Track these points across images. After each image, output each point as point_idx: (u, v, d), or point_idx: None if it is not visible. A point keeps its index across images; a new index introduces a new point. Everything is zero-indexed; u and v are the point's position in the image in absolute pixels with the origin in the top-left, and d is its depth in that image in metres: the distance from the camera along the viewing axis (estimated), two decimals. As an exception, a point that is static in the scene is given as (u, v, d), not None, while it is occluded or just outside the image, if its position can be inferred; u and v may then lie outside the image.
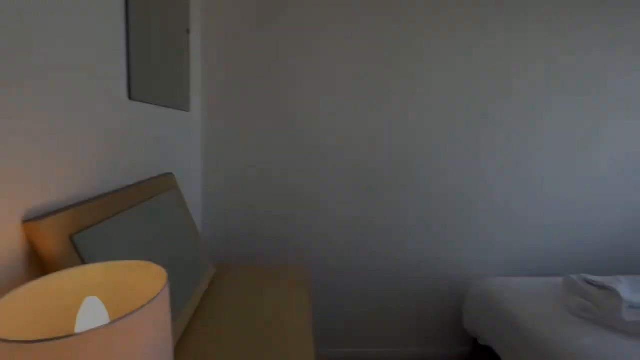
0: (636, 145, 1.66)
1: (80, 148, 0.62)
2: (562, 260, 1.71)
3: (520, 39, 1.50)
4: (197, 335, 0.78)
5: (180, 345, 0.73)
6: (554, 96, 1.57)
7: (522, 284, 1.38)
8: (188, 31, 1.15)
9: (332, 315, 1.63)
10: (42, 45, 0.52)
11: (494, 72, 1.52)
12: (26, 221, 0.47)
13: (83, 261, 0.51)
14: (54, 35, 0.54)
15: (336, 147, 1.50)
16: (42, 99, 0.52)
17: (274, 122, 1.46)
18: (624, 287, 1.14)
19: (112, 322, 0.30)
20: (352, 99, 1.47)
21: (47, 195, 0.53)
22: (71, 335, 0.28)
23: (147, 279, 0.43)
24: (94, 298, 0.39)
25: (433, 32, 1.46)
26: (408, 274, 1.63)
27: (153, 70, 0.92)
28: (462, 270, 1.66)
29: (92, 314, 0.38)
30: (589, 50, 1.54)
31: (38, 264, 0.51)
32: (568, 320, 1.12)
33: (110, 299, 0.42)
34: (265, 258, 1.54)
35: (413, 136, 1.52)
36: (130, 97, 0.79)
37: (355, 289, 1.62)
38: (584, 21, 1.52)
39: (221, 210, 1.49)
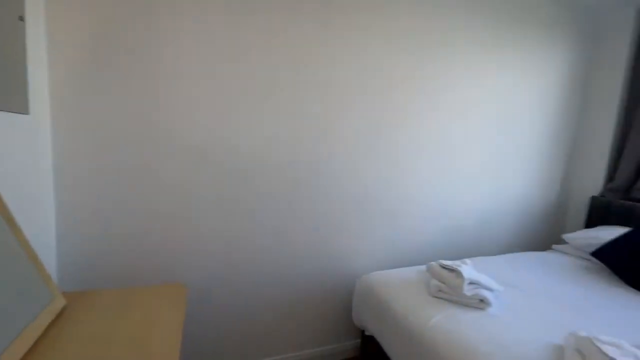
0: (491, 152, 2.06)
1: None
2: (432, 250, 2.00)
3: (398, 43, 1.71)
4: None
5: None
6: (419, 96, 1.82)
7: (397, 275, 1.55)
8: (21, 18, 0.97)
9: (216, 331, 1.56)
10: None
11: (378, 72, 1.66)
12: None
13: None
14: None
15: (204, 149, 1.41)
16: None
17: (136, 125, 1.29)
18: (468, 267, 1.38)
19: None
20: (233, 101, 1.43)
21: None
22: None
23: None
24: None
25: (322, 32, 1.52)
26: (298, 278, 1.68)
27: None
28: (352, 268, 1.79)
29: None
30: (433, 57, 1.85)
31: None
32: (427, 301, 1.30)
33: None
34: (136, 279, 1.38)
35: (294, 138, 1.56)
36: None
37: (241, 299, 1.58)
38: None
39: (78, 231, 1.27)
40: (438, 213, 1.99)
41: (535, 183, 2.31)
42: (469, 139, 2.00)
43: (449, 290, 1.30)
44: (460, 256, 1.96)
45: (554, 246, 2.15)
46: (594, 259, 1.83)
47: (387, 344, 1.34)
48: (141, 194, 1.34)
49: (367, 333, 1.58)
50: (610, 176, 2.25)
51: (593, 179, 2.32)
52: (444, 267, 1.39)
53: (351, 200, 1.73)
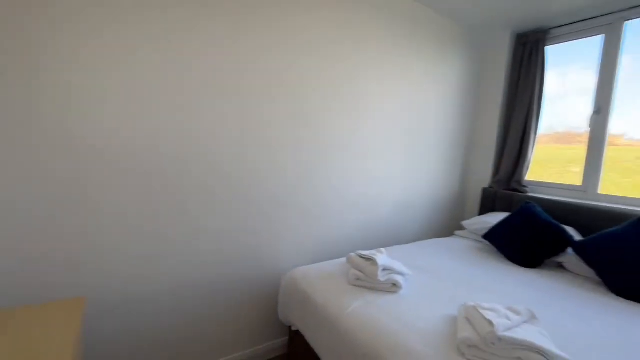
0: (400, 151, 2.26)
1: None
2: (353, 242, 2.12)
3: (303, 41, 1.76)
4: None
5: None
6: (333, 99, 1.92)
7: (320, 268, 1.60)
8: None
9: (127, 343, 1.40)
10: None
11: (294, 75, 1.70)
12: None
13: None
14: None
15: (102, 150, 1.30)
16: None
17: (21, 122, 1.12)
18: (383, 256, 1.50)
19: None
20: (138, 100, 1.32)
21: None
22: None
23: None
24: None
25: (234, 32, 1.50)
26: (219, 280, 1.61)
27: None
28: (277, 266, 1.79)
29: None
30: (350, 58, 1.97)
31: None
32: (346, 290, 1.37)
33: None
34: (31, 297, 1.17)
35: (209, 138, 1.51)
36: None
37: (156, 307, 1.45)
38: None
39: None
40: (356, 208, 2.11)
41: (439, 178, 2.62)
42: (381, 139, 2.17)
43: (366, 278, 1.39)
44: (378, 246, 2.13)
45: (455, 232, 2.46)
46: (485, 241, 2.15)
47: (311, 336, 1.38)
48: (32, 200, 1.14)
49: (293, 329, 1.59)
50: (496, 171, 2.68)
51: (484, 173, 2.73)
52: (361, 257, 1.49)
53: (273, 200, 1.73)
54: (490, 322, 0.94)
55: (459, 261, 1.85)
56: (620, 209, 1.94)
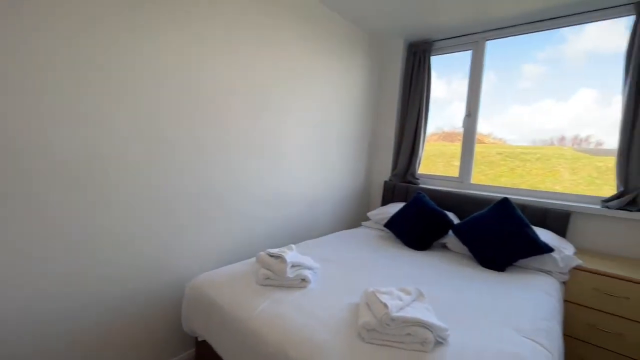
0: (310, 149, 2.29)
1: None
2: (268, 240, 2.08)
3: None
4: None
5: None
6: (247, 99, 1.84)
7: (228, 271, 1.52)
8: None
9: None
10: None
11: (206, 78, 1.57)
12: None
13: None
14: None
15: None
16: None
17: None
18: (292, 253, 1.50)
19: None
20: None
21: None
22: None
23: None
24: None
25: (130, 32, 1.29)
26: (113, 296, 1.40)
27: None
28: (182, 274, 1.64)
29: None
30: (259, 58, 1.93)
31: None
32: (255, 291, 1.33)
33: None
34: None
35: (102, 137, 1.29)
36: None
37: (39, 329, 1.18)
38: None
39: None
40: (268, 206, 2.09)
41: (346, 173, 2.78)
42: (291, 138, 2.19)
43: (275, 276, 1.37)
44: (291, 243, 2.14)
45: (362, 223, 2.65)
46: (386, 229, 2.37)
47: (218, 344, 1.30)
48: None
49: (200, 339, 1.48)
50: (395, 166, 2.97)
51: (385, 168, 3.01)
52: (271, 255, 1.46)
53: (178, 202, 1.57)
54: (385, 305, 1.03)
55: (364, 250, 1.99)
56: (487, 195, 2.37)
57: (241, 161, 1.87)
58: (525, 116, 2.36)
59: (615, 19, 2.04)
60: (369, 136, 2.99)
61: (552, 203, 2.13)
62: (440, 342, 1.01)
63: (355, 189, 2.91)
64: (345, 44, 2.53)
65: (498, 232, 1.86)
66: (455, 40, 2.67)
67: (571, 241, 2.04)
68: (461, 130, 2.69)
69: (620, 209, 1.91)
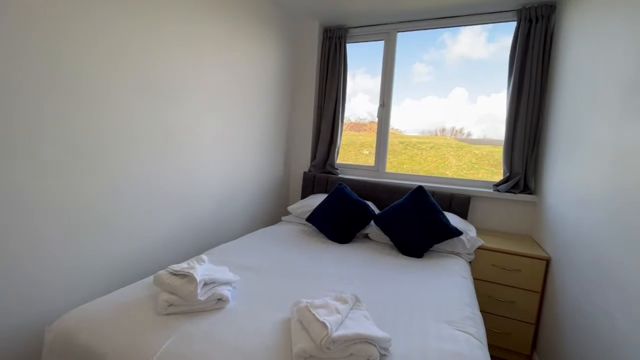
0: (221, 141, 1.96)
1: None
2: (168, 252, 1.71)
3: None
4: None
5: None
6: (148, 90, 1.42)
7: (112, 302, 1.14)
8: None
9: None
10: None
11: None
12: None
13: None
14: None
15: None
16: None
17: None
18: (203, 266, 1.22)
19: None
20: None
21: None
22: None
23: None
24: None
25: None
26: None
27: None
28: (40, 313, 1.18)
29: None
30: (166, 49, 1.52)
31: None
32: (155, 326, 1.02)
33: None
34: None
35: None
36: None
37: None
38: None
39: None
40: (171, 208, 1.71)
41: (263, 166, 2.54)
42: (198, 130, 1.84)
43: (182, 302, 1.08)
44: (202, 250, 1.82)
45: (282, 218, 2.46)
46: (308, 224, 2.24)
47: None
48: None
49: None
50: (314, 156, 2.86)
51: (304, 158, 2.86)
52: (175, 273, 1.15)
53: (39, 210, 1.10)
54: (323, 324, 0.87)
55: (287, 249, 1.82)
56: (402, 183, 2.46)
57: (132, 157, 1.45)
58: (415, 109, 2.66)
59: (501, 23, 2.31)
60: (287, 125, 2.79)
61: (455, 189, 2.33)
62: (384, 354, 0.91)
63: (274, 181, 2.70)
64: (259, 23, 2.24)
65: (415, 220, 1.92)
66: (369, 29, 2.65)
67: (471, 222, 2.27)
68: (366, 121, 2.76)
69: (508, 192, 2.19)
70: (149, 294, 1.18)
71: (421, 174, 2.65)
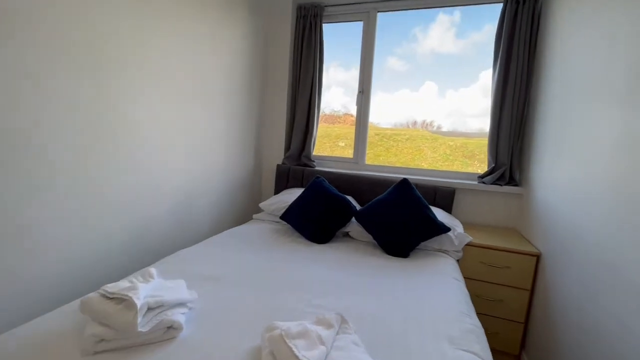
0: (182, 134, 1.66)
1: None
2: (113, 265, 1.42)
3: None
4: None
5: None
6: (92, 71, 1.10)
7: (16, 339, 0.86)
8: None
9: None
10: None
11: None
12: None
13: None
14: None
15: None
16: None
17: None
18: (149, 284, 0.96)
19: None
20: None
21: None
22: None
23: None
24: None
25: None
26: None
27: None
28: None
29: None
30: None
31: None
32: (76, 372, 0.76)
33: None
34: None
35: None
36: None
37: None
38: None
39: None
40: (123, 210, 1.42)
41: (232, 160, 2.27)
42: (156, 121, 1.56)
43: (117, 335, 0.83)
44: (155, 258, 1.55)
45: (254, 216, 2.22)
46: (283, 222, 2.02)
47: None
48: None
49: None
50: (288, 147, 2.62)
51: (277, 150, 2.62)
52: (108, 296, 0.89)
53: None
54: (302, 363, 0.66)
55: (259, 253, 1.59)
56: (384, 176, 2.29)
57: (58, 152, 1.15)
58: (389, 102, 2.58)
59: (488, 5, 2.17)
60: (258, 113, 2.52)
61: (440, 181, 2.20)
62: (380, 394, 0.72)
63: (244, 175, 2.44)
64: (226, 5, 1.96)
65: (400, 216, 1.75)
66: (347, 8, 2.43)
67: (456, 216, 2.16)
68: (340, 113, 2.60)
69: (493, 184, 2.08)
70: (74, 325, 0.91)
71: (398, 165, 2.53)
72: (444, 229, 1.72)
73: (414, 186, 1.87)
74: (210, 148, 2.02)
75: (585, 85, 1.40)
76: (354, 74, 2.52)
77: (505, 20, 2.01)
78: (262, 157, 2.65)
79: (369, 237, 1.83)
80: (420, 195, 1.85)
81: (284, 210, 2.01)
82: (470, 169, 2.37)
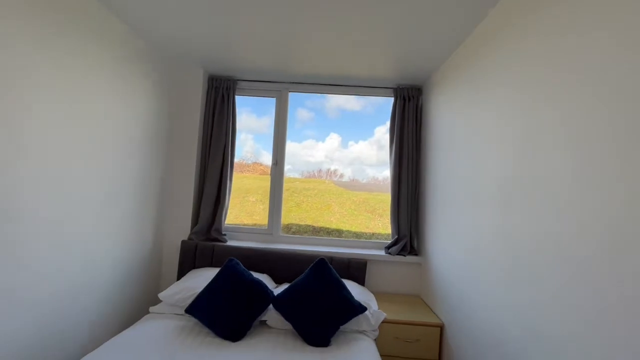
0: (60, 213, 1.31)
1: None
2: None
3: None
4: None
5: None
6: None
7: None
8: None
9: None
10: None
11: None
12: None
13: None
14: None
15: None
16: None
17: None
18: None
19: None
20: None
21: None
22: None
23: None
24: None
25: None
26: None
27: None
28: None
29: None
30: None
31: None
32: None
33: None
34: None
35: None
36: None
37: None
38: None
39: None
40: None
41: (125, 240, 1.92)
42: (33, 194, 1.20)
43: None
44: None
45: (151, 309, 1.86)
46: (188, 315, 1.74)
47: None
48: None
49: None
50: (195, 220, 2.39)
51: (182, 224, 2.35)
52: None
53: None
54: None
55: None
56: (299, 250, 2.26)
57: None
58: (297, 151, 2.79)
59: (383, 98, 2.55)
60: (160, 184, 2.26)
61: (353, 253, 2.29)
62: None
63: (139, 260, 2.07)
64: (129, 62, 1.78)
65: (319, 300, 1.72)
66: (260, 85, 2.51)
67: (367, 286, 2.25)
68: (249, 162, 2.75)
69: (398, 254, 2.29)
70: None
71: (309, 222, 2.62)
72: (361, 309, 1.75)
73: (330, 266, 1.89)
74: (97, 231, 1.67)
75: (449, 170, 1.72)
76: (266, 121, 2.65)
77: (396, 112, 2.38)
78: (163, 233, 2.33)
79: (288, 325, 1.72)
80: (337, 275, 1.87)
81: (190, 300, 1.75)
82: (372, 224, 2.61)
